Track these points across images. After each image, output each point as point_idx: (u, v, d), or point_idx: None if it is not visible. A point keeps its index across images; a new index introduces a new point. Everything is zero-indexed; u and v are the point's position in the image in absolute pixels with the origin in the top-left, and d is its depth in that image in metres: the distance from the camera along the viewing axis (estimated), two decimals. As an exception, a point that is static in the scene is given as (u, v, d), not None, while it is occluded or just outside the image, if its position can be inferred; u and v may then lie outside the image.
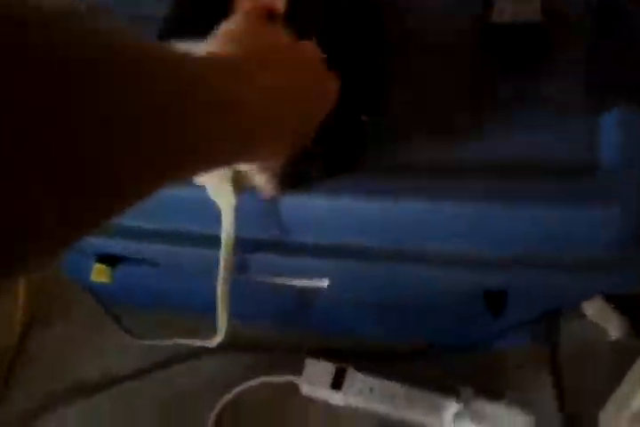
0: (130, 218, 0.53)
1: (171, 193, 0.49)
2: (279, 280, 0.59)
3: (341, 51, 0.48)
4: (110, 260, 0.59)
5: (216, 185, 0.45)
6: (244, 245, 0.51)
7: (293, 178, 0.47)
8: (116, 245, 0.56)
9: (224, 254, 0.50)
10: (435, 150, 0.49)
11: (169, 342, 0.74)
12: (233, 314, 0.55)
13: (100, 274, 0.58)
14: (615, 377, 0.61)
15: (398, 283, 0.55)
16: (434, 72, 0.53)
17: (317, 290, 0.60)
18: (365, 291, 0.59)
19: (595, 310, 0.66)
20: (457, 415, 0.67)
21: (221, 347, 0.64)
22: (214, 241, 0.50)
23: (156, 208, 0.52)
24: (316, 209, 0.50)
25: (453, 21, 0.55)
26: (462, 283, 0.52)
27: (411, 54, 0.55)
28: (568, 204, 0.45)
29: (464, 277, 0.51)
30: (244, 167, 0.44)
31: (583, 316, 0.68)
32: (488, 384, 0.68)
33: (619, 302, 0.66)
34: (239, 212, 0.47)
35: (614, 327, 0.66)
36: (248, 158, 0.39)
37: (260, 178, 0.44)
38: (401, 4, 0.57)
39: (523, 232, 0.47)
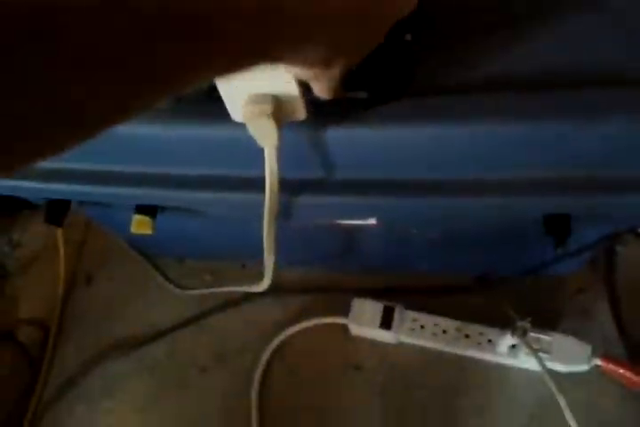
0: (168, 164, 0.50)
1: (208, 133, 0.47)
2: (325, 221, 0.55)
3: None
4: (150, 210, 0.56)
5: (256, 121, 0.41)
6: (287, 187, 0.47)
7: (339, 106, 0.43)
8: (155, 195, 0.52)
9: (269, 196, 0.46)
10: (487, 67, 0.44)
11: (216, 290, 0.72)
12: (279, 259, 0.52)
13: (140, 225, 0.55)
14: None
15: (451, 215, 0.51)
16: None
17: (364, 229, 0.56)
18: (416, 226, 0.56)
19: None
20: (512, 348, 0.64)
21: (269, 292, 0.61)
22: (257, 184, 0.46)
23: (194, 152, 0.48)
24: (362, 141, 0.45)
25: None
26: (522, 209, 0.48)
27: None
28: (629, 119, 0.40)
29: (523, 202, 0.46)
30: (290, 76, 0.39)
31: (641, 238, 0.64)
32: (545, 312, 0.65)
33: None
34: (282, 151, 0.43)
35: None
36: (281, 55, 0.32)
37: (316, 84, 0.39)
38: None
39: (591, 150, 0.42)
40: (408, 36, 0.45)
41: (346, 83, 0.42)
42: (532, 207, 0.47)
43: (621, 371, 0.61)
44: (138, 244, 0.73)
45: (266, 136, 0.42)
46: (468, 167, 0.46)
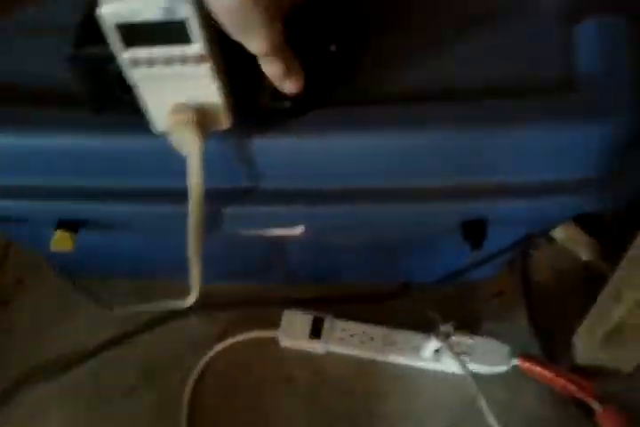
0: (89, 176, 0.49)
1: (131, 144, 0.46)
2: (252, 232, 0.55)
3: None
4: (71, 225, 0.54)
5: (179, 130, 0.41)
6: (212, 197, 0.47)
7: (264, 115, 0.43)
8: (75, 208, 0.51)
9: (193, 206, 0.46)
10: (406, 78, 0.46)
11: (142, 309, 0.70)
12: (206, 274, 0.51)
13: (61, 242, 0.53)
14: (587, 300, 0.61)
15: (374, 222, 0.52)
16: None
17: (292, 239, 0.56)
18: (340, 234, 0.56)
19: (564, 234, 0.65)
20: (436, 353, 0.65)
21: (197, 307, 0.60)
22: (181, 195, 0.46)
23: (116, 163, 0.48)
24: (285, 150, 0.46)
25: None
26: (440, 215, 0.50)
27: None
28: (546, 121, 0.43)
29: (442, 209, 0.48)
30: None
31: (553, 241, 0.67)
32: (465, 317, 0.67)
33: (587, 225, 0.65)
34: (206, 160, 0.43)
35: (584, 251, 0.65)
36: None
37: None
38: None
39: (501, 156, 0.45)
40: (333, 47, 0.46)
41: (271, 93, 0.43)
42: (447, 213, 0.49)
43: (539, 369, 0.63)
44: (60, 262, 0.70)
45: (189, 145, 0.42)
46: (386, 175, 0.47)
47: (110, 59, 0.40)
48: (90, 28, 0.41)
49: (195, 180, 0.44)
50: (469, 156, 0.46)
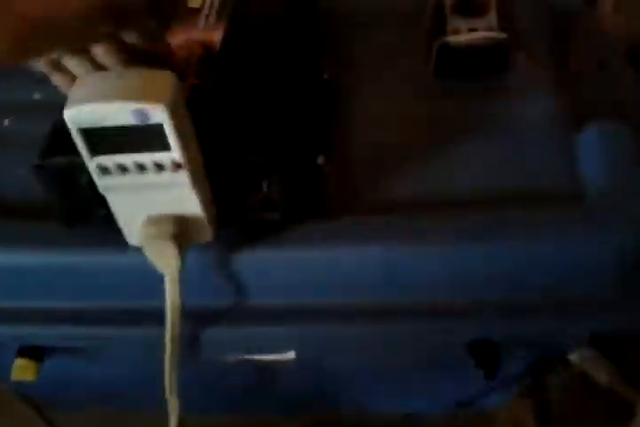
0: (55, 298, 0.44)
1: (101, 260, 0.41)
2: (238, 357, 0.49)
3: (287, 93, 0.43)
4: (35, 352, 0.47)
5: (155, 244, 0.36)
6: (193, 317, 0.42)
7: (250, 226, 0.40)
8: (40, 333, 0.45)
9: (169, 331, 0.40)
10: (403, 188, 0.43)
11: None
12: (185, 404, 0.44)
13: (22, 371, 0.46)
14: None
15: (374, 343, 0.46)
16: (389, 106, 0.48)
17: (280, 364, 0.50)
18: (336, 359, 0.50)
19: (582, 358, 0.59)
20: None
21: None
22: (157, 316, 0.40)
23: (86, 281, 0.42)
24: (274, 263, 0.42)
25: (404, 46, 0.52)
26: (446, 334, 0.44)
27: (363, 92, 0.50)
28: (555, 238, 0.39)
29: (447, 327, 0.43)
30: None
31: (571, 365, 0.60)
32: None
33: (606, 349, 0.59)
34: (186, 275, 0.38)
35: (603, 375, 0.59)
36: None
37: None
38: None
39: (508, 273, 0.40)
40: (320, 159, 0.44)
41: (259, 202, 0.39)
42: (454, 333, 0.44)
43: None
44: (25, 391, 0.62)
45: (167, 261, 0.37)
46: (384, 290, 0.42)
47: (82, 169, 0.37)
48: (60, 137, 0.38)
49: (172, 300, 0.39)
50: (473, 271, 0.41)
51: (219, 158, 0.37)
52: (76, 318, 0.44)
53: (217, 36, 0.45)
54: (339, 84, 0.50)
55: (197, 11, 0.48)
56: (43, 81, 0.50)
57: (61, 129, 0.39)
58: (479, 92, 0.49)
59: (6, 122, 0.49)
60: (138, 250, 0.38)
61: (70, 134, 0.38)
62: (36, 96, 0.50)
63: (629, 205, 0.40)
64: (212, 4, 0.49)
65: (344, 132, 0.47)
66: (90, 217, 0.40)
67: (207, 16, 0.47)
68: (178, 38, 0.43)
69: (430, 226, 0.40)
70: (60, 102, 0.32)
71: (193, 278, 0.39)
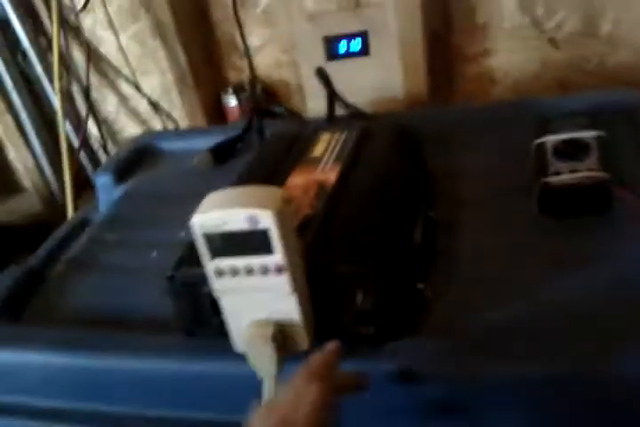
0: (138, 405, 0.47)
1: (215, 368, 0.43)
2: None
3: (393, 225, 0.46)
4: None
5: (255, 345, 0.39)
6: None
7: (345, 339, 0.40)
8: None
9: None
10: (495, 317, 0.43)
11: None
12: None
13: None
14: None
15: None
16: (492, 242, 0.50)
17: None
18: None
19: None
20: None
21: None
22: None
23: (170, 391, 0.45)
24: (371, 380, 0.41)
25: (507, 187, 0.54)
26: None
27: (468, 229, 0.52)
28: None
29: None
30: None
31: None
32: None
33: None
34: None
35: None
36: None
37: None
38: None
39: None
40: (420, 285, 0.46)
41: (354, 315, 0.41)
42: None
43: None
44: None
45: (265, 364, 0.39)
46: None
47: (204, 279, 0.41)
48: (190, 255, 0.44)
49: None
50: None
51: (318, 270, 0.40)
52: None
53: (330, 176, 0.51)
54: (445, 223, 0.53)
55: (318, 158, 0.55)
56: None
57: (192, 248, 0.45)
58: (581, 229, 0.49)
59: (154, 253, 0.57)
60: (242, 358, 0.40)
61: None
62: (181, 234, 0.57)
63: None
64: (331, 151, 0.56)
65: (447, 264, 0.48)
66: (208, 328, 0.44)
67: (325, 162, 0.54)
68: (298, 179, 0.50)
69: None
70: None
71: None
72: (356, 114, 0.73)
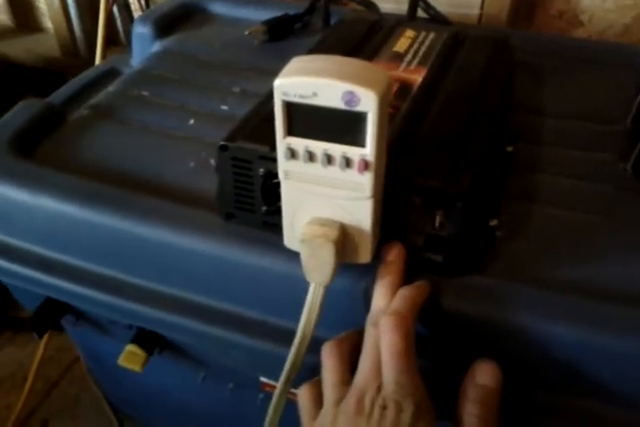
0: (190, 287, 0.40)
1: (250, 260, 0.37)
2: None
3: (470, 150, 0.37)
4: (148, 344, 0.43)
5: (314, 244, 0.32)
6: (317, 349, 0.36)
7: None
8: (162, 319, 0.40)
9: (293, 351, 0.34)
10: (567, 271, 0.36)
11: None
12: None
13: (131, 358, 0.42)
14: None
15: None
16: (573, 191, 0.42)
17: None
18: None
19: None
20: None
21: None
22: (287, 336, 0.36)
23: (226, 278, 0.39)
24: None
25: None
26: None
27: (548, 172, 0.44)
28: None
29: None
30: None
31: None
32: None
33: None
34: (329, 300, 0.34)
35: None
36: None
37: None
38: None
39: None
40: (493, 222, 0.39)
41: (427, 241, 0.35)
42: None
43: None
44: (112, 397, 0.58)
45: (318, 267, 0.33)
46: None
47: (263, 159, 0.34)
48: (251, 125, 0.37)
49: (308, 315, 0.34)
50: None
51: (397, 179, 0.33)
52: (203, 312, 0.40)
53: (415, 77, 0.43)
54: (522, 160, 0.45)
55: (401, 55, 0.47)
56: (231, 95, 0.51)
57: (251, 119, 0.38)
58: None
59: (191, 121, 0.49)
60: (289, 256, 0.34)
61: (263, 123, 0.36)
62: (223, 107, 0.50)
63: None
64: (416, 51, 0.47)
65: (520, 205, 0.41)
66: (249, 214, 0.37)
67: (409, 61, 0.46)
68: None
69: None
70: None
71: (336, 305, 0.34)
72: (438, 19, 0.63)
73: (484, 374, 0.33)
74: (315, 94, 0.28)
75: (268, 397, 0.44)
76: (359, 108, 0.28)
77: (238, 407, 0.49)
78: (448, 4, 0.80)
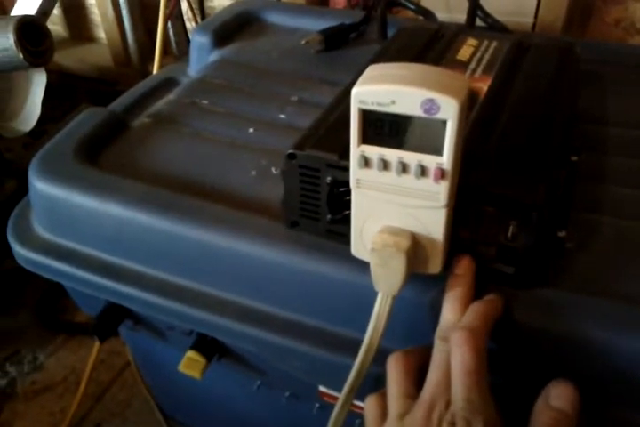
0: (253, 294, 0.40)
1: (314, 268, 0.37)
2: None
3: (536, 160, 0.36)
4: (208, 350, 0.43)
5: (385, 253, 0.31)
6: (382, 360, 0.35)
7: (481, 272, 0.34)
8: (221, 325, 0.40)
9: (359, 361, 0.34)
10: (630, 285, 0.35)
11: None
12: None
13: (191, 365, 0.42)
14: None
15: None
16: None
17: None
18: None
19: None
20: None
21: None
22: (349, 345, 0.36)
23: (290, 286, 0.39)
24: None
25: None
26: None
27: (613, 181, 0.43)
28: None
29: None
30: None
31: None
32: None
33: None
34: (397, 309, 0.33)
35: None
36: None
37: None
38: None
39: None
40: (561, 233, 0.38)
41: (499, 252, 0.34)
42: None
43: None
44: (163, 403, 0.58)
45: (387, 277, 0.32)
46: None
47: (331, 167, 0.34)
48: (320, 133, 0.36)
49: (375, 325, 0.33)
50: None
51: (470, 188, 0.32)
52: (265, 320, 0.39)
53: (481, 85, 0.42)
54: (587, 170, 0.44)
55: (464, 63, 0.46)
56: (289, 104, 0.52)
57: (319, 128, 0.38)
58: None
59: (251, 130, 0.49)
60: (353, 265, 0.34)
61: (331, 132, 0.36)
62: (282, 116, 0.51)
63: None
64: (480, 59, 0.47)
65: (586, 216, 0.40)
66: (314, 222, 0.37)
67: (473, 70, 0.45)
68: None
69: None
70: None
71: (403, 314, 0.34)
72: (496, 27, 0.63)
73: (559, 398, 0.32)
74: (393, 102, 0.28)
75: (325, 406, 0.44)
76: (439, 116, 0.27)
77: (294, 417, 0.49)
78: (502, 13, 0.80)
